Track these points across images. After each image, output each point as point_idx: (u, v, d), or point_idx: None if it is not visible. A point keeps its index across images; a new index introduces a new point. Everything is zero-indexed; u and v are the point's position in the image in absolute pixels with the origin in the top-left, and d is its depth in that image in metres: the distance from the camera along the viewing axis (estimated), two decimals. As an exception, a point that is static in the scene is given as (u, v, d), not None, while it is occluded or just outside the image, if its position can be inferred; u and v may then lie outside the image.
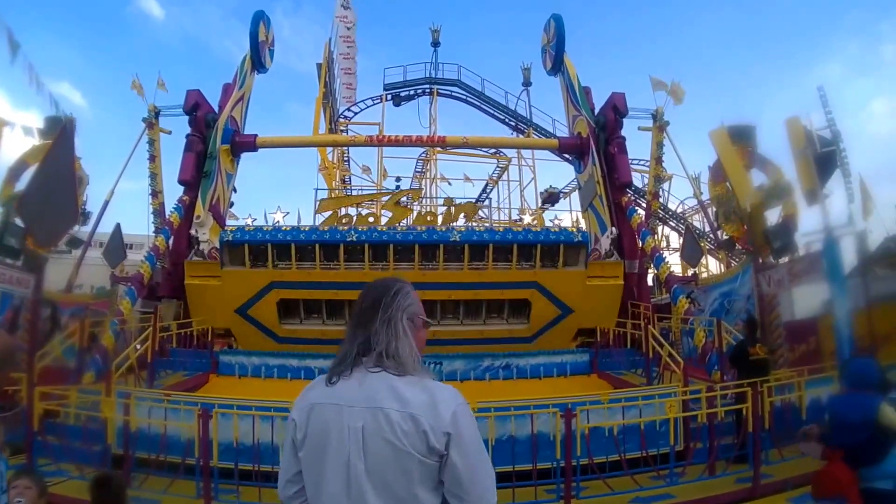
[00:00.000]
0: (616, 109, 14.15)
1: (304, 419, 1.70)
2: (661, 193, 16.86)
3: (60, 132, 9.84)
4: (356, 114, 26.79)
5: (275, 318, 12.92)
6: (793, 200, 10.86)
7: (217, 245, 13.30)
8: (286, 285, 12.60)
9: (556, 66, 16.16)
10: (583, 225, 19.22)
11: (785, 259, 10.70)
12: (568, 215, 23.06)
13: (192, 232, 13.39)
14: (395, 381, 1.64)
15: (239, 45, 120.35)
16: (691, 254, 13.40)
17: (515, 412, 6.53)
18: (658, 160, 15.28)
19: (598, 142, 14.15)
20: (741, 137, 12.21)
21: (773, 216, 11.20)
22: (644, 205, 16.90)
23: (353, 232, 12.26)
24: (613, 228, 13.04)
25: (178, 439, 6.55)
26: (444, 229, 12.49)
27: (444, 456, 1.57)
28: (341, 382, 1.69)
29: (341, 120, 26.57)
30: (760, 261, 11.13)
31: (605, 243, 12.88)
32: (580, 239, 12.38)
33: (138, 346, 10.10)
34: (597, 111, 14.93)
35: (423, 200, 19.85)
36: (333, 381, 1.70)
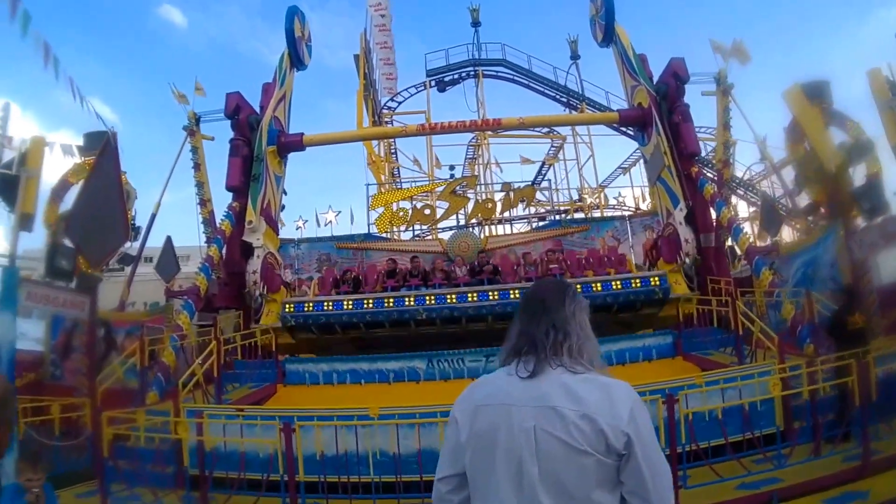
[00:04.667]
0: (677, 76, 13.31)
1: (467, 420, 1.65)
2: (731, 161, 16.01)
3: (104, 146, 9.60)
4: (399, 104, 26.47)
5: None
6: (875, 157, 10.28)
7: (272, 251, 13.24)
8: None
9: (608, 36, 15.17)
10: (647, 201, 18.62)
11: (877, 220, 10.07)
12: (630, 191, 22.29)
13: (245, 238, 12.95)
14: (568, 379, 1.59)
15: (267, 44, 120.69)
16: (770, 222, 12.65)
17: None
18: (725, 125, 14.53)
19: (660, 111, 13.36)
20: (816, 95, 11.50)
21: (857, 176, 10.61)
22: (712, 175, 16.07)
23: (421, 309, 11.86)
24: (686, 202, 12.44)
25: (255, 455, 6.38)
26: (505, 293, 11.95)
27: (622, 455, 1.51)
28: (509, 379, 1.64)
29: (385, 111, 26.16)
30: (849, 224, 10.50)
31: (678, 216, 12.31)
32: (661, 296, 11.92)
33: (201, 362, 9.62)
34: (655, 79, 14.08)
35: (479, 187, 19.52)
36: (515, 374, 1.65)
